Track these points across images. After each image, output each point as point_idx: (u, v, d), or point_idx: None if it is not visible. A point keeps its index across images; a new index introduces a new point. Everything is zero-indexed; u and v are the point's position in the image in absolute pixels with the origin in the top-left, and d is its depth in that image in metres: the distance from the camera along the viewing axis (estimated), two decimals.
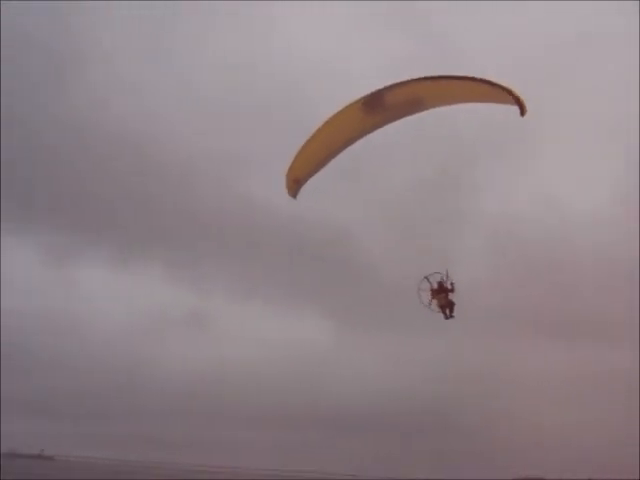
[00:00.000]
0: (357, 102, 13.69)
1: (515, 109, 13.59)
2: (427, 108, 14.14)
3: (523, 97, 13.67)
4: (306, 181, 15.39)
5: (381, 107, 13.43)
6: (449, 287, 15.29)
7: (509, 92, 13.49)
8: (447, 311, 15.40)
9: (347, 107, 13.83)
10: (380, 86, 13.48)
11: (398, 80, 13.04)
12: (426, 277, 15.46)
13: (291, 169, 15.29)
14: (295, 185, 15.53)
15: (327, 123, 13.83)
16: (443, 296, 15.27)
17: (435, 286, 15.26)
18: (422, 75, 13.14)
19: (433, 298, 15.68)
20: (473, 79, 13.11)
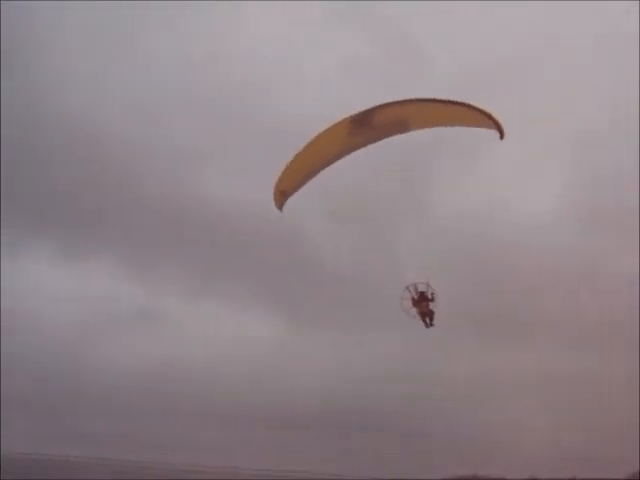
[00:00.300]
0: (346, 120, 13.95)
1: (494, 132, 14.15)
2: (411, 130, 14.40)
3: (501, 121, 14.12)
4: (292, 194, 15.35)
5: (368, 126, 13.91)
6: (430, 297, 15.46)
7: (489, 117, 13.96)
8: (427, 319, 15.55)
9: (336, 124, 14.03)
10: (367, 106, 13.75)
11: (385, 100, 13.55)
12: (407, 287, 15.52)
13: (279, 182, 15.34)
14: (282, 197, 15.61)
15: (316, 138, 14.10)
16: (424, 305, 15.43)
17: (416, 295, 15.41)
18: (407, 96, 13.62)
19: (414, 307, 15.68)
20: (456, 103, 13.57)
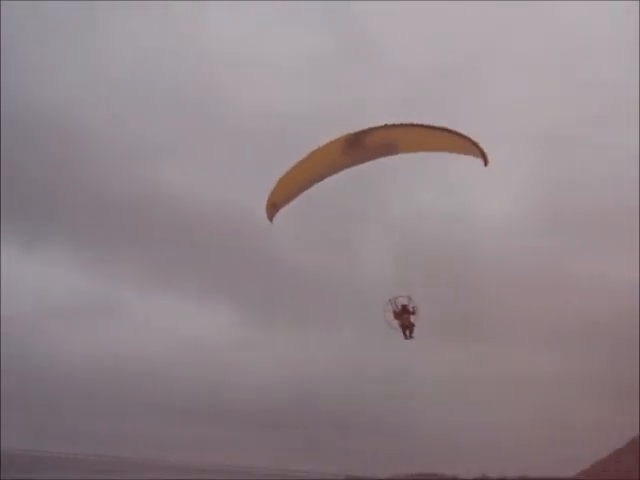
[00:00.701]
0: (340, 139, 14.58)
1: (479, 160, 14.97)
2: (400, 153, 14.94)
3: (485, 149, 14.83)
4: (283, 206, 15.81)
5: (360, 147, 14.53)
6: (411, 310, 15.97)
7: (475, 145, 14.74)
8: (407, 332, 16.07)
9: (330, 143, 14.61)
10: (361, 128, 14.45)
11: (377, 123, 14.30)
12: (390, 300, 16.05)
13: (271, 194, 15.87)
14: (272, 209, 16.15)
15: (310, 154, 14.70)
16: (406, 317, 15.92)
17: (399, 308, 15.92)
18: (399, 120, 14.32)
19: (396, 319, 16.17)
20: (444, 130, 14.22)
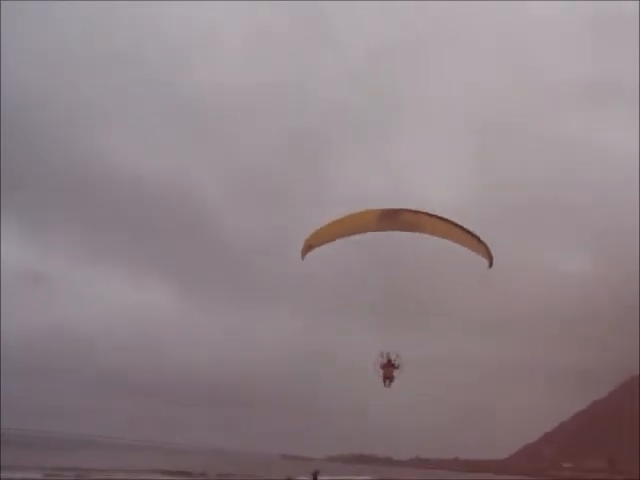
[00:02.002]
0: (377, 210, 16.92)
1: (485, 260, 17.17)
2: (422, 233, 17.06)
3: (492, 251, 17.11)
4: (316, 247, 17.53)
5: (392, 220, 16.89)
6: (395, 365, 18.03)
7: (486, 249, 17.03)
8: (387, 381, 18.15)
9: (368, 211, 16.98)
10: (394, 205, 16.66)
11: (406, 206, 16.69)
12: (382, 353, 17.95)
13: (311, 237, 17.85)
14: (308, 250, 18.12)
15: (349, 215, 17.13)
16: (389, 370, 17.99)
17: (386, 361, 18.06)
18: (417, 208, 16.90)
19: (382, 368, 18.21)
20: (460, 227, 16.68)
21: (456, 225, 17.12)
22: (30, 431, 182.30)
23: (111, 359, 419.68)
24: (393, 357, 18.40)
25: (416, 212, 17.23)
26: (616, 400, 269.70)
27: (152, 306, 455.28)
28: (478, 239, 17.31)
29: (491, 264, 18.14)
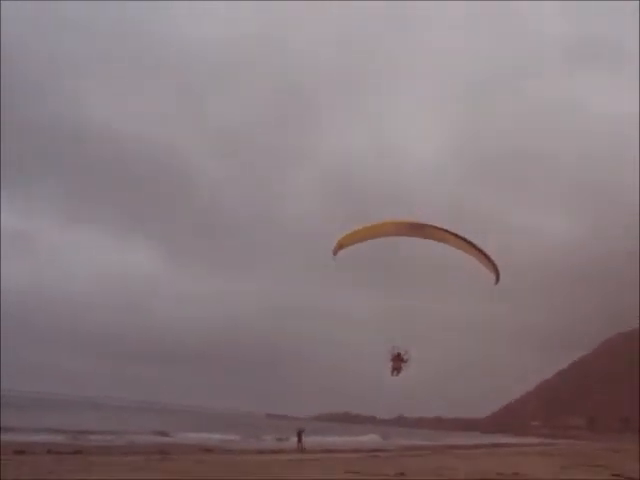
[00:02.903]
0: (406, 222, 18.24)
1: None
2: (443, 243, 18.38)
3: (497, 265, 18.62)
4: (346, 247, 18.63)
5: (418, 231, 18.18)
6: (404, 359, 18.92)
7: (494, 265, 18.67)
8: (395, 372, 19.00)
9: (398, 221, 18.29)
10: (424, 221, 18.20)
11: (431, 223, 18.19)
12: (393, 347, 18.75)
13: (344, 238, 18.65)
14: (339, 248, 18.79)
15: (381, 223, 18.34)
16: (398, 363, 18.84)
17: (396, 353, 18.88)
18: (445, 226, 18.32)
19: (391, 361, 19.00)
20: (475, 246, 18.35)
21: (473, 244, 18.82)
22: (13, 391, 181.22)
23: (95, 320, 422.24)
24: (403, 352, 19.40)
25: (439, 229, 18.71)
26: (597, 359, 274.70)
27: (136, 268, 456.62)
28: (489, 257, 18.98)
29: (497, 280, 19.45)
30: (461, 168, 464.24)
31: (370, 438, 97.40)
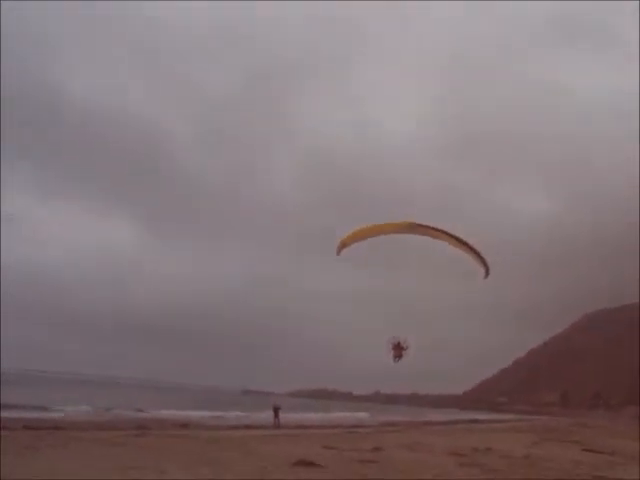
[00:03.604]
0: (405, 223, 19.02)
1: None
2: (439, 240, 19.19)
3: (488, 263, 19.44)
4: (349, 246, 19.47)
5: (416, 230, 18.99)
6: (404, 347, 19.46)
7: (484, 262, 19.51)
8: (396, 359, 19.52)
9: (398, 222, 19.06)
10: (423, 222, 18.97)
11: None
12: (393, 336, 19.29)
13: (347, 238, 19.39)
14: (342, 247, 19.57)
15: (381, 224, 19.11)
16: (398, 351, 19.41)
17: (396, 342, 19.42)
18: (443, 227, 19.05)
19: (392, 349, 19.49)
20: (467, 244, 19.25)
21: (465, 243, 19.49)
22: None
23: (73, 295, 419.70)
24: (402, 341, 19.91)
25: (438, 229, 19.45)
26: (571, 337, 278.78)
27: (114, 242, 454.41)
28: (481, 255, 19.66)
29: (487, 275, 20.04)
30: (442, 145, 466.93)
31: (350, 415, 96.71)
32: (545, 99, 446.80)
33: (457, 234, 19.63)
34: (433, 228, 19.51)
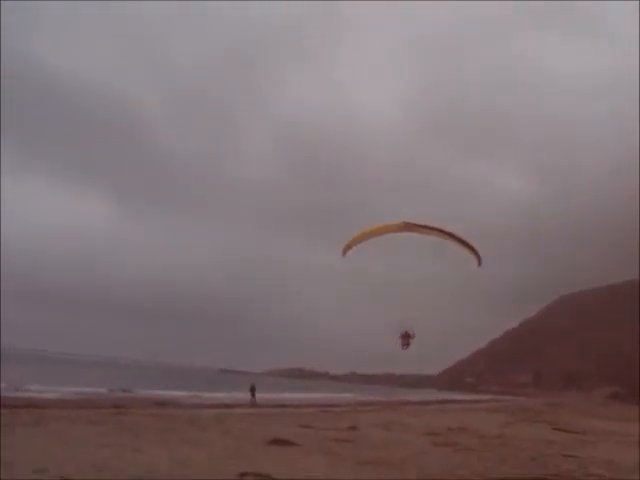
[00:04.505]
0: (401, 223, 20.04)
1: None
2: (431, 236, 20.35)
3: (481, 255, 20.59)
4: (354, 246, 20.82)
5: (410, 229, 20.07)
6: (412, 335, 20.73)
7: (475, 252, 20.59)
8: (404, 347, 20.69)
9: (394, 223, 20.22)
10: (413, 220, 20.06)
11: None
12: (402, 326, 20.55)
13: (351, 241, 20.83)
14: (348, 249, 20.86)
15: (379, 226, 20.56)
16: (406, 340, 20.64)
17: (404, 332, 20.62)
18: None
19: (400, 338, 20.68)
20: (461, 239, 20.43)
21: (459, 238, 20.64)
22: None
23: (46, 271, 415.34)
24: (409, 330, 20.99)
25: (433, 228, 20.55)
26: (544, 319, 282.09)
27: (87, 218, 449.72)
28: (468, 244, 20.74)
29: (480, 263, 21.00)
30: (419, 125, 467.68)
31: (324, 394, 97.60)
32: (524, 79, 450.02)
33: (447, 229, 20.62)
34: (425, 226, 20.53)
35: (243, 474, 13.38)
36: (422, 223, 20.57)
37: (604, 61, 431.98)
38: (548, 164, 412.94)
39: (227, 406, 45.64)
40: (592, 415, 58.98)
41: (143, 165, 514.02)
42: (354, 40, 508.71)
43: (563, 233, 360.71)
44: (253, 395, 50.79)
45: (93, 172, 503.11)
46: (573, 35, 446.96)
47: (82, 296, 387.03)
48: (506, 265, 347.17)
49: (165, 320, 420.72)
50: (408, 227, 20.27)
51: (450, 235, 20.64)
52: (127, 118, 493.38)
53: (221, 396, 62.32)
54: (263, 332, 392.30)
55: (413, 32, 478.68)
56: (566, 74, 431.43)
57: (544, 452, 22.02)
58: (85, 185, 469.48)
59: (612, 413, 69.01)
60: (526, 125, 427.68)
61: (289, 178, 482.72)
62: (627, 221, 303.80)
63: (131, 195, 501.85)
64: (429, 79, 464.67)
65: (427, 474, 15.23)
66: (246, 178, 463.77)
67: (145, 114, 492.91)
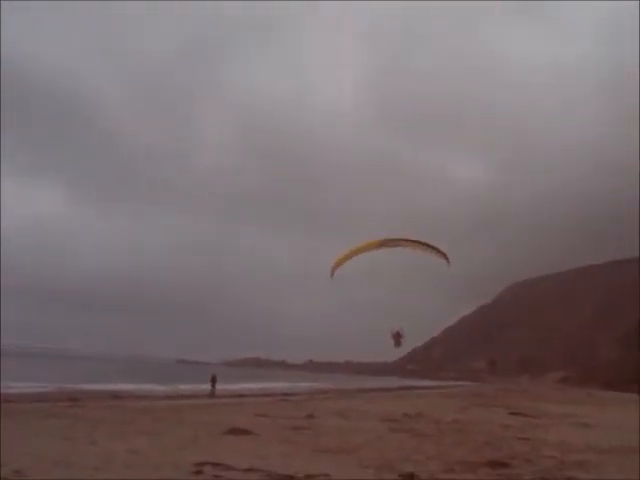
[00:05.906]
0: (378, 241, 22.19)
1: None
2: (407, 247, 22.27)
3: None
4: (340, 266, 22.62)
5: (388, 244, 22.00)
6: (402, 335, 22.50)
7: (445, 256, 22.75)
8: (396, 345, 22.76)
9: (372, 241, 22.38)
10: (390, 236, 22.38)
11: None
12: (392, 326, 22.15)
13: (336, 261, 22.65)
14: (335, 269, 22.62)
15: (360, 245, 22.53)
16: (397, 338, 22.47)
17: (395, 332, 22.65)
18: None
19: (392, 337, 22.53)
20: (435, 247, 22.43)
21: (427, 244, 22.68)
22: None
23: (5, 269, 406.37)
24: (400, 329, 22.98)
25: (404, 239, 22.63)
26: (498, 306, 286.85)
27: (40, 207, 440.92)
28: (441, 251, 22.87)
29: (449, 263, 22.88)
30: (379, 113, 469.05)
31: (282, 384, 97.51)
32: (483, 67, 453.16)
33: (419, 239, 22.65)
34: (400, 239, 22.56)
35: (200, 464, 13.32)
36: (399, 237, 22.54)
37: (561, 50, 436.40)
38: (505, 153, 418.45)
39: (184, 397, 45.43)
40: (545, 399, 60.17)
41: (100, 152, 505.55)
42: (316, 25, 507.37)
43: (518, 221, 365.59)
44: (213, 386, 50.59)
45: (45, 160, 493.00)
46: (530, 23, 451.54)
47: (36, 286, 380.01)
48: (461, 252, 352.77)
49: (120, 311, 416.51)
50: (385, 243, 22.18)
51: (420, 243, 22.42)
52: (85, 105, 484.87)
53: (178, 387, 61.89)
54: (220, 322, 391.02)
55: (375, 17, 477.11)
56: (523, 62, 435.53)
57: (499, 436, 22.38)
58: (37, 175, 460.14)
59: (564, 397, 70.66)
60: (485, 113, 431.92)
61: (247, 164, 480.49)
62: (579, 209, 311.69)
63: (87, 182, 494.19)
64: (388, 67, 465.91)
65: (384, 460, 15.34)
66: (204, 165, 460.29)
67: (103, 101, 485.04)
